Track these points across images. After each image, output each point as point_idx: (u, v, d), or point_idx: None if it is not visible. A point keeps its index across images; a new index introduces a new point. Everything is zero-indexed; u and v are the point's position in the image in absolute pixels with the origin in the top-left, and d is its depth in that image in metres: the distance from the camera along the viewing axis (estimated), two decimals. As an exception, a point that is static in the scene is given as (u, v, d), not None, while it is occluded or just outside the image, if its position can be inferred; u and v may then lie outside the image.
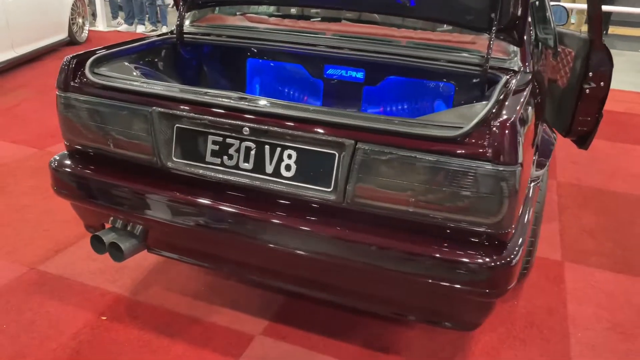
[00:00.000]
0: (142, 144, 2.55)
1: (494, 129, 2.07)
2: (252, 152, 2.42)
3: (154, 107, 2.51)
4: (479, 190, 2.07)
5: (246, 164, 2.44)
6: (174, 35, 3.38)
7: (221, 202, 2.46)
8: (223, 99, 2.44)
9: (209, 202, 2.47)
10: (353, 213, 2.28)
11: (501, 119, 2.11)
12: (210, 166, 2.49)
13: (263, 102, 2.40)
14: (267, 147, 2.39)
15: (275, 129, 2.35)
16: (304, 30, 3.38)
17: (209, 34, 3.42)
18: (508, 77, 2.70)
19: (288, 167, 2.37)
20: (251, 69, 3.85)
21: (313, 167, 2.33)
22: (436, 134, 2.12)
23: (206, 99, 2.46)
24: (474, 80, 3.01)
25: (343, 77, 3.58)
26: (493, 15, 2.75)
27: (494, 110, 2.17)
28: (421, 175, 2.14)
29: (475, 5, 2.78)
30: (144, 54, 3.16)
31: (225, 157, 2.46)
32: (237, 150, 2.44)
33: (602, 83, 3.49)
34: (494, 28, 2.75)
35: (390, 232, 2.25)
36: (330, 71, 3.61)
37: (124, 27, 11.69)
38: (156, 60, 3.30)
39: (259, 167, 2.42)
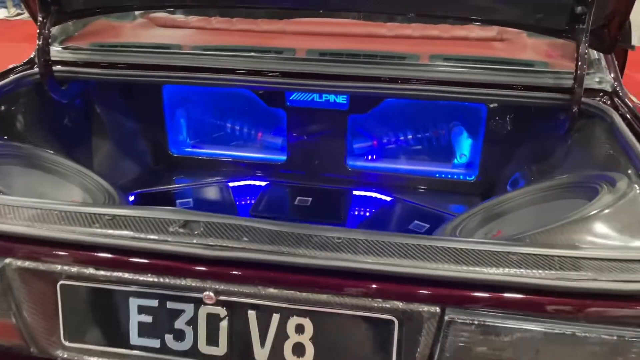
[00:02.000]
0: None
1: None
2: (223, 325, 1.25)
3: (8, 259, 1.25)
4: None
5: (213, 348, 1.26)
6: (36, 71, 2.01)
7: None
8: (150, 239, 1.21)
9: None
10: None
11: None
12: (140, 354, 1.29)
13: (238, 243, 1.20)
14: (253, 314, 1.23)
15: (271, 289, 1.18)
16: (248, 48, 2.11)
17: (93, 63, 2.07)
18: (614, 110, 1.68)
19: (299, 351, 1.23)
20: (170, 98, 2.57)
21: (347, 350, 1.21)
22: (615, 287, 1.05)
23: (114, 240, 1.22)
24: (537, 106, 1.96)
25: (316, 105, 2.41)
26: (581, 8, 1.68)
27: None
28: None
29: None
30: None
31: (169, 337, 1.27)
32: (193, 323, 1.26)
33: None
34: (583, 28, 1.69)
35: None
36: (295, 97, 2.42)
37: None
38: (9, 118, 1.94)
39: (238, 351, 1.25)
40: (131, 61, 2.04)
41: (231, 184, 2.52)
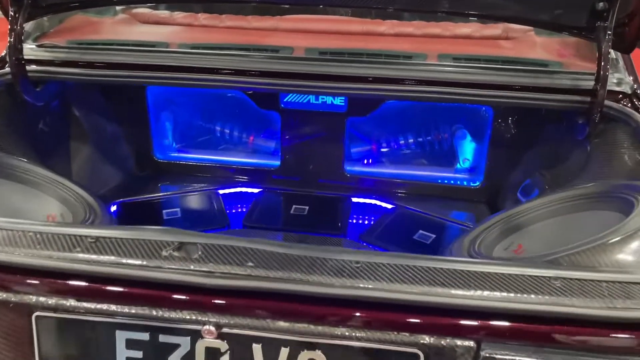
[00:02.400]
0: None
1: None
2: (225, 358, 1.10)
3: None
4: None
5: None
6: (8, 71, 1.82)
7: None
8: (141, 265, 1.05)
9: None
10: None
11: None
12: None
13: (242, 269, 1.05)
14: (258, 348, 1.08)
15: (280, 322, 1.03)
16: (241, 46, 1.95)
17: (71, 62, 1.89)
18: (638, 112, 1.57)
19: None
20: (155, 100, 2.39)
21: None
22: None
23: (98, 267, 1.06)
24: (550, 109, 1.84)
25: (312, 107, 2.26)
26: (602, 5, 1.57)
27: None
28: None
29: None
30: None
31: None
32: (189, 359, 1.10)
33: None
34: (605, 26, 1.57)
35: None
36: (290, 98, 2.26)
37: None
38: None
39: None
40: (112, 60, 1.87)
41: (221, 192, 2.35)
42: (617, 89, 1.71)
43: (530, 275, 1.02)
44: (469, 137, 2.32)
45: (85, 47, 1.92)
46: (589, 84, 1.67)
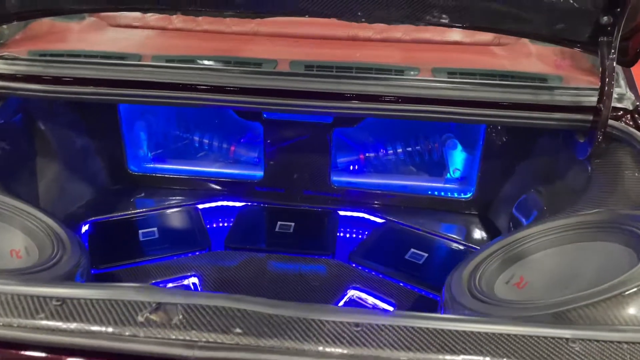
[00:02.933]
0: None
1: None
2: None
3: None
4: None
5: None
6: None
7: None
8: (113, 334, 0.93)
9: None
10: None
11: None
12: None
13: (228, 337, 0.93)
14: None
15: None
16: (216, 58, 1.81)
17: (34, 77, 1.72)
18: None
19: None
20: (128, 109, 2.23)
21: None
22: None
23: (64, 338, 0.93)
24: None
25: (297, 117, 2.13)
26: (607, 19, 1.47)
27: None
28: None
29: (569, 6, 1.47)
30: None
31: None
32: None
33: None
34: (609, 41, 1.48)
35: None
36: None
37: None
38: None
39: None
40: (79, 75, 1.70)
41: (201, 206, 2.23)
42: (619, 105, 1.62)
43: (545, 337, 0.93)
44: (459, 147, 2.23)
45: (49, 58, 1.76)
46: (591, 100, 1.58)
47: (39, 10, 1.71)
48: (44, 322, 0.95)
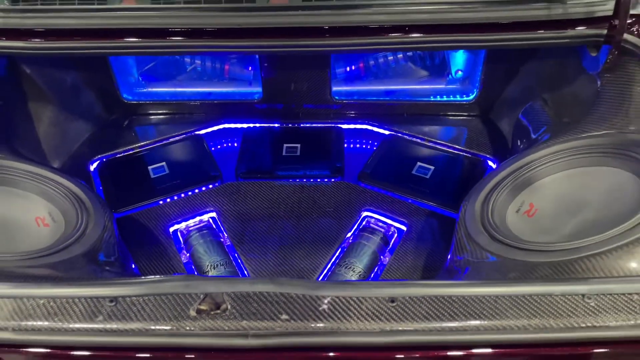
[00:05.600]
0: None
1: None
2: None
3: None
4: None
5: None
6: None
7: None
8: (166, 331, 1.01)
9: None
10: None
11: None
12: None
13: (278, 324, 1.01)
14: None
15: None
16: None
17: (9, 31, 1.59)
18: None
19: None
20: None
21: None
22: None
23: (119, 338, 1.01)
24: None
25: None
26: None
27: None
28: None
29: None
30: None
31: None
32: None
33: None
34: None
35: None
36: None
37: None
38: None
39: None
40: (57, 24, 1.57)
41: (203, 132, 2.21)
42: (632, 11, 1.55)
43: (563, 294, 1.02)
44: (457, 60, 2.16)
45: (26, 8, 1.60)
46: (605, 9, 1.51)
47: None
48: (104, 325, 1.02)
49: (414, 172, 1.99)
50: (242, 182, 1.99)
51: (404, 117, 2.22)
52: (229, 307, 1.04)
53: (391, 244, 1.77)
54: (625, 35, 1.51)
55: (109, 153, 2.11)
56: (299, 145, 2.12)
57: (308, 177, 2.00)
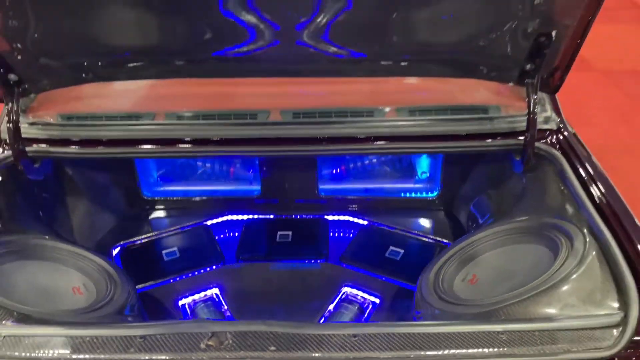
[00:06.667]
0: None
1: None
2: None
3: None
4: None
5: None
6: (8, 155, 1.98)
7: None
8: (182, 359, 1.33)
9: None
10: None
11: None
12: None
13: (267, 354, 1.34)
14: None
15: None
16: (218, 114, 2.12)
17: (66, 141, 2.05)
18: (560, 153, 1.91)
19: None
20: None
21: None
22: (587, 357, 1.31)
23: None
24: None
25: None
26: (530, 66, 1.86)
27: None
28: None
29: (500, 54, 1.86)
30: None
31: None
32: None
33: None
34: (533, 81, 1.88)
35: None
36: None
37: None
38: None
39: None
40: (104, 136, 2.04)
41: (209, 222, 2.61)
42: (545, 126, 2.02)
43: (483, 332, 1.36)
44: (425, 154, 2.63)
45: (76, 123, 2.07)
46: (523, 125, 1.99)
47: (63, 81, 2.04)
48: (135, 355, 1.34)
49: (387, 255, 2.37)
50: (242, 264, 2.35)
51: (379, 210, 2.63)
52: (230, 341, 1.37)
53: (366, 313, 2.10)
54: (538, 144, 1.97)
55: (129, 240, 2.49)
56: (290, 233, 2.51)
57: (298, 259, 2.36)
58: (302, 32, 1.78)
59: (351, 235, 2.52)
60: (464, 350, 1.33)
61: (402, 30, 1.84)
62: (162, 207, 2.71)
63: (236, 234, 2.56)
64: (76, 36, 1.84)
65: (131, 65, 1.97)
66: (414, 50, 1.92)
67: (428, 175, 2.67)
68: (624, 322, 1.35)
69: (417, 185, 2.69)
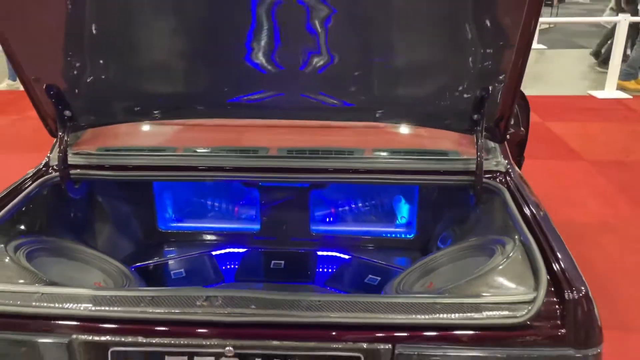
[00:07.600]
0: None
1: (569, 296, 1.65)
2: None
3: (75, 336, 1.68)
4: None
5: None
6: (56, 175, 2.45)
7: None
8: (181, 312, 1.68)
9: None
10: None
11: (572, 279, 1.69)
12: None
13: (248, 310, 1.69)
14: None
15: (273, 342, 1.67)
16: (227, 149, 2.64)
17: (101, 166, 2.53)
18: (505, 187, 2.31)
19: None
20: (159, 183, 3.03)
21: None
22: (504, 322, 1.62)
23: (155, 315, 1.68)
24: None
25: (284, 184, 2.95)
26: (476, 116, 2.32)
27: (559, 268, 1.75)
28: None
29: (452, 107, 2.33)
30: (21, 217, 2.23)
31: None
32: None
33: (522, 128, 3.36)
34: (479, 129, 2.33)
35: None
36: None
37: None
38: (36, 216, 2.36)
39: None
40: (132, 163, 2.52)
41: (214, 253, 2.99)
42: (495, 168, 2.45)
43: (422, 303, 1.69)
44: (403, 201, 3.04)
45: (111, 153, 2.56)
46: (472, 167, 2.41)
47: (110, 120, 2.56)
48: (145, 308, 1.69)
49: (365, 280, 2.69)
50: (238, 283, 2.69)
51: (363, 248, 2.99)
52: (220, 302, 1.71)
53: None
54: (488, 181, 2.38)
55: (143, 262, 2.86)
56: (283, 262, 2.86)
57: (288, 282, 2.70)
58: (306, 87, 2.28)
59: (336, 267, 2.87)
60: (405, 315, 1.65)
61: (378, 86, 2.34)
62: (174, 239, 3.11)
63: (236, 264, 2.92)
64: (123, 84, 2.36)
65: (162, 108, 2.49)
66: (388, 102, 2.41)
67: (406, 219, 3.05)
68: (535, 300, 1.67)
69: (397, 229, 3.07)
